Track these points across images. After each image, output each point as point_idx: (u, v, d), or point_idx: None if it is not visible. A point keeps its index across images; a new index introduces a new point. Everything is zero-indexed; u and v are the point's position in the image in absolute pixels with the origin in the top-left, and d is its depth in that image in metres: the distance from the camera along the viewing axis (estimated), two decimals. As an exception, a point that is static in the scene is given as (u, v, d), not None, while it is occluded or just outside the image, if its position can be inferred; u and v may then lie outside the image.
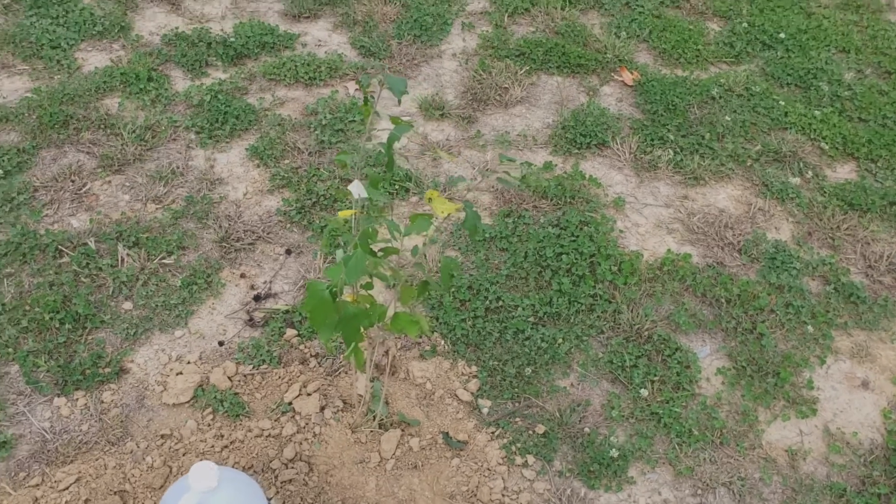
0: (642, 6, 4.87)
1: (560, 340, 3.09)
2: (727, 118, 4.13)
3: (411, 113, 4.04)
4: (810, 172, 3.89)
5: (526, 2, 4.79)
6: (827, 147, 4.03)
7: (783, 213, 3.71)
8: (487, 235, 3.43)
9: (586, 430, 2.85)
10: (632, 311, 3.20)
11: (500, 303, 3.18)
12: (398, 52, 4.35)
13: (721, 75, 4.41)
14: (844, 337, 3.23)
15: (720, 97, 4.26)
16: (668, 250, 3.44)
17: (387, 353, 2.97)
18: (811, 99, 4.31)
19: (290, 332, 3.00)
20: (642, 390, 2.95)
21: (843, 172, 3.94)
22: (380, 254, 2.29)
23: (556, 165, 3.82)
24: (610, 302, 3.23)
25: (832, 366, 3.14)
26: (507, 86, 4.19)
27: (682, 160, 3.88)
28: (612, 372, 3.02)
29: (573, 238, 3.42)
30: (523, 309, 3.16)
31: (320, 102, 3.95)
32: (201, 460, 2.58)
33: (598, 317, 3.18)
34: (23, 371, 2.81)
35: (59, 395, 2.78)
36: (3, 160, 3.52)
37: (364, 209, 2.30)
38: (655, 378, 2.99)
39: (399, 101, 2.15)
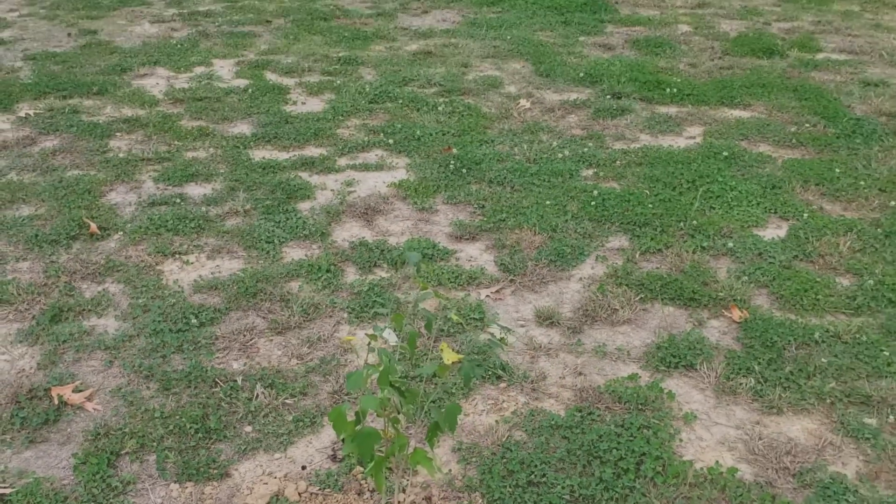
0: (774, 258, 5.26)
1: (586, 519, 3.41)
2: (823, 360, 4.32)
3: (527, 319, 4.70)
4: (893, 417, 3.95)
5: (660, 244, 5.39)
6: (923, 398, 4.07)
7: (855, 450, 3.80)
8: (554, 423, 3.90)
9: None
10: (662, 507, 3.46)
11: (544, 478, 3.59)
12: (531, 271, 5.10)
13: (833, 323, 4.63)
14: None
15: (823, 341, 4.48)
16: (717, 462, 3.67)
17: (428, 499, 3.48)
18: (922, 354, 4.39)
19: (359, 468, 3.62)
20: (646, 574, 3.17)
21: (935, 424, 3.95)
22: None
23: (639, 377, 4.23)
24: (644, 495, 3.51)
25: None
26: (617, 307, 4.74)
27: (763, 390, 4.13)
28: (625, 554, 3.27)
29: (630, 438, 3.78)
30: (562, 487, 3.54)
31: (451, 303, 4.74)
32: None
33: (628, 506, 3.48)
34: (157, 460, 3.67)
35: (174, 482, 3.58)
36: (203, 315, 4.64)
37: (394, 352, 2.97)
38: (664, 567, 3.20)
39: (416, 269, 2.88)
